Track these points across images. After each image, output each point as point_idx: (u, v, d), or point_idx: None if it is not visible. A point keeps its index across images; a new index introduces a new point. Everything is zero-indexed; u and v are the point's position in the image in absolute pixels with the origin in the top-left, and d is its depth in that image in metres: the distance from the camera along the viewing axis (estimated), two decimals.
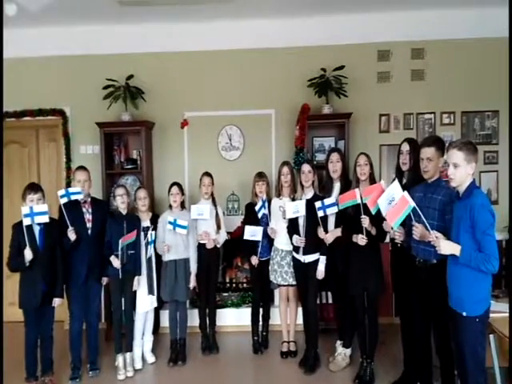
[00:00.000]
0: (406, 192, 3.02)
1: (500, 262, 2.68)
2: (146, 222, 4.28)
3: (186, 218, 4.31)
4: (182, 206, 4.47)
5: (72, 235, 3.86)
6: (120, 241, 3.92)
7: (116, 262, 3.99)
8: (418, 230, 3.08)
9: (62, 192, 3.90)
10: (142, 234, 4.21)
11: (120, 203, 4.14)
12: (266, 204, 4.38)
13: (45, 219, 3.69)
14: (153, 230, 4.21)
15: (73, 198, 3.89)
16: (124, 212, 4.16)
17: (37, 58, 5.27)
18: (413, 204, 2.92)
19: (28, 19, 4.75)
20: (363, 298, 3.82)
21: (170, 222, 4.22)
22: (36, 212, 3.65)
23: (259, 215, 4.37)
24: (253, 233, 4.31)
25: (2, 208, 3.89)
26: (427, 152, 3.25)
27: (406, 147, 3.64)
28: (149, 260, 4.22)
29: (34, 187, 3.82)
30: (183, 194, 4.48)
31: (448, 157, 2.83)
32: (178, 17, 4.94)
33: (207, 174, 4.57)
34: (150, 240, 4.14)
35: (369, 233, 3.63)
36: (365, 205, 3.51)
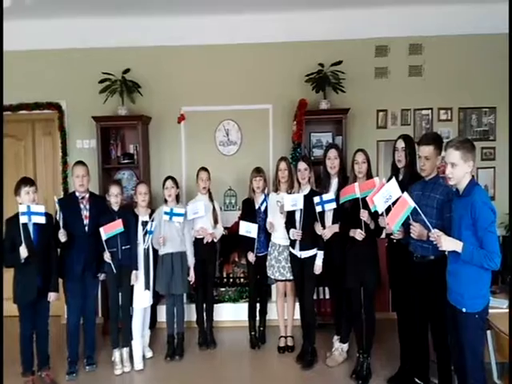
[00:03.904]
0: (405, 193, 3.02)
1: None
2: (144, 217, 4.25)
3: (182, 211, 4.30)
4: (178, 199, 4.46)
5: (62, 237, 3.83)
6: (102, 230, 3.89)
7: (106, 256, 3.98)
8: (416, 229, 3.09)
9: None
10: (140, 228, 4.20)
11: (113, 202, 4.12)
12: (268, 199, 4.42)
13: (41, 220, 3.66)
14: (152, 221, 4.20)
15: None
16: (116, 209, 4.13)
17: (32, 51, 5.22)
18: (413, 205, 2.93)
19: (23, 11, 4.70)
20: (360, 292, 3.82)
21: (165, 213, 4.20)
22: (33, 212, 3.62)
23: (262, 208, 4.41)
24: (248, 229, 4.30)
25: (1, 205, 3.87)
26: (425, 150, 3.25)
27: (401, 144, 3.63)
28: (146, 255, 4.21)
29: (29, 180, 3.80)
30: (178, 187, 4.46)
31: (446, 156, 2.84)
32: (175, 11, 4.90)
33: (204, 168, 4.56)
34: (148, 230, 4.12)
35: (366, 227, 3.63)
36: (363, 199, 3.51)
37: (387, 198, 3.14)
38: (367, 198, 3.43)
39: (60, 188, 5.30)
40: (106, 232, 3.92)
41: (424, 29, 5.13)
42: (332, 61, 4.98)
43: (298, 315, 4.36)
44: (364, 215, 3.56)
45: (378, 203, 3.22)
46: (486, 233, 2.65)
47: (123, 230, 4.00)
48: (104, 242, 3.93)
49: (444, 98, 5.22)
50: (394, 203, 3.10)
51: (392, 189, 3.12)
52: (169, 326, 4.42)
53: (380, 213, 3.28)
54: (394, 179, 3.26)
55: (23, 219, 3.60)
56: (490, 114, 5.22)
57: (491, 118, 5.21)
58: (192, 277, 4.40)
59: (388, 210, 3.18)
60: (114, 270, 4.02)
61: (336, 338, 4.29)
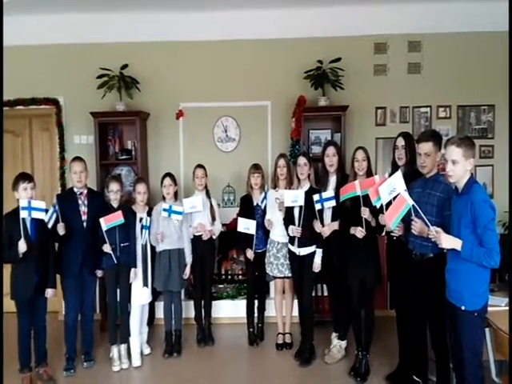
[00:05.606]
0: (403, 190, 3.01)
1: None
2: (143, 214, 4.24)
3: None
4: (176, 196, 4.45)
5: (61, 230, 3.83)
6: (102, 221, 3.87)
7: (107, 248, 3.96)
8: (417, 225, 3.08)
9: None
10: (138, 225, 4.18)
11: (113, 198, 4.11)
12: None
13: (41, 215, 3.64)
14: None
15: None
16: (115, 206, 4.12)
17: (30, 46, 5.18)
18: (411, 202, 2.92)
19: (20, 7, 4.66)
20: (359, 289, 3.82)
21: (164, 209, 4.20)
22: (33, 207, 3.60)
23: (262, 205, 4.41)
24: (246, 225, 4.30)
25: (1, 200, 3.85)
26: (425, 147, 3.25)
27: (401, 142, 3.64)
28: (145, 252, 4.20)
29: (27, 176, 3.77)
30: (176, 184, 4.45)
31: (446, 153, 2.83)
32: (174, 6, 4.88)
33: (200, 166, 4.55)
34: (144, 224, 4.11)
35: (367, 225, 3.62)
36: (364, 197, 3.50)
37: (391, 190, 3.13)
38: (370, 191, 3.38)
39: (58, 184, 5.28)
40: (106, 223, 3.91)
41: (423, 26, 5.13)
42: (331, 58, 4.97)
43: (296, 312, 4.37)
44: (365, 213, 3.56)
45: (383, 194, 3.20)
46: (486, 230, 2.65)
47: (124, 221, 3.98)
48: (104, 233, 3.91)
49: (443, 96, 5.21)
50: (394, 199, 3.09)
51: (397, 181, 3.11)
52: (166, 322, 4.42)
53: (384, 204, 3.24)
54: (399, 172, 3.22)
55: (23, 214, 3.57)
56: (488, 111, 5.22)
57: (490, 115, 5.22)
58: (187, 274, 4.39)
59: (388, 206, 3.17)
60: (115, 261, 3.99)
61: (334, 335, 4.30)
